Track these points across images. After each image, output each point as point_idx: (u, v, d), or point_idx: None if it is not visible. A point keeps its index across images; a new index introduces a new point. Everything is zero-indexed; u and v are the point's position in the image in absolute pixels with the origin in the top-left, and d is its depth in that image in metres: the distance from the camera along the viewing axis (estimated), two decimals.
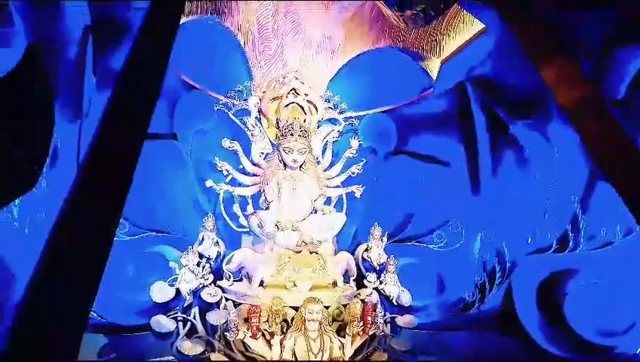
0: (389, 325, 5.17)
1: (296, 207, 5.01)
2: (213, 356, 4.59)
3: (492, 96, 5.43)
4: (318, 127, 5.48)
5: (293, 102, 5.26)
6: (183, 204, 5.30)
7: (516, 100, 5.31)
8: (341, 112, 5.60)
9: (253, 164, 5.20)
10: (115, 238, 3.24)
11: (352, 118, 5.64)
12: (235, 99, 5.39)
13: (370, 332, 4.66)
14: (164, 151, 5.21)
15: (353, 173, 5.38)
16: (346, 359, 4.42)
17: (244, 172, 5.17)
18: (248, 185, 5.15)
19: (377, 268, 5.29)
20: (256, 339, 4.40)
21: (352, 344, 4.49)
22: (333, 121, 5.56)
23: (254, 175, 5.18)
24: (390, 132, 5.72)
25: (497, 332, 5.23)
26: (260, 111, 5.32)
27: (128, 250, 4.97)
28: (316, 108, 5.38)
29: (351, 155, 5.43)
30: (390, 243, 5.50)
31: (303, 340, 4.21)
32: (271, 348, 4.33)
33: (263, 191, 5.06)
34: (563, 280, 5.17)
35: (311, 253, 4.87)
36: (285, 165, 5.07)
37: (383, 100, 5.70)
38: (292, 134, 5.01)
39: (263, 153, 5.29)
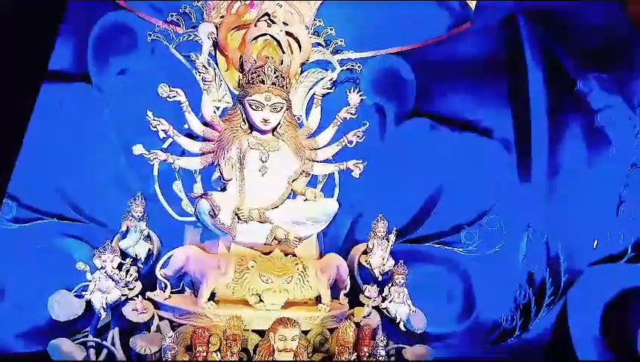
0: (392, 359, 5.18)
1: (267, 188, 4.97)
2: None
3: (555, 36, 5.44)
4: (302, 72, 5.43)
5: (265, 35, 5.17)
6: (99, 178, 5.24)
7: (590, 45, 5.32)
8: (336, 52, 5.54)
9: (204, 124, 5.07)
10: None
11: (352, 61, 5.59)
12: (179, 25, 5.30)
13: None
14: (70, 99, 5.13)
15: (351, 142, 5.30)
16: None
17: (190, 135, 5.05)
18: (196, 155, 5.02)
19: (380, 278, 5.29)
20: None
21: None
22: (324, 64, 5.52)
23: (205, 140, 5.04)
24: (406, 84, 5.70)
25: None
26: (215, 45, 5.23)
27: (16, 243, 4.90)
28: (299, 44, 5.31)
29: (348, 116, 5.32)
30: (400, 243, 5.54)
31: None
32: None
33: (218, 163, 4.95)
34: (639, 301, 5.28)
35: (286, 254, 4.83)
36: (252, 127, 5.00)
37: (397, 37, 5.67)
38: (263, 81, 4.90)
39: (218, 108, 5.23)
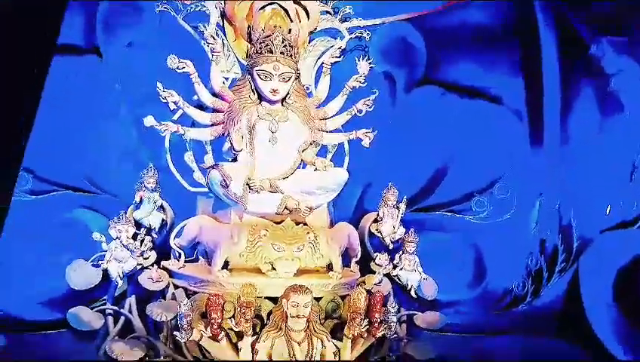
0: (404, 325, 5.30)
1: (277, 158, 5.02)
2: None
3: (568, 0, 5.42)
4: (310, 41, 5.44)
5: (272, 4, 5.17)
6: (112, 150, 5.31)
7: (603, 9, 5.33)
8: (344, 20, 5.53)
9: (214, 95, 5.13)
10: (12, 198, 3.24)
11: (361, 29, 5.56)
12: None
13: (378, 335, 4.76)
14: (81, 71, 5.19)
15: (360, 110, 5.32)
16: None
17: (199, 106, 5.12)
18: (206, 126, 5.10)
19: (391, 246, 5.37)
20: (218, 341, 4.46)
21: (352, 349, 4.57)
22: (332, 32, 5.52)
23: (215, 110, 5.12)
24: (416, 51, 5.70)
25: (556, 336, 5.43)
26: (223, 15, 5.25)
27: (32, 214, 5.00)
28: (307, 13, 5.31)
29: (357, 85, 5.35)
30: (410, 211, 5.57)
31: (283, 343, 4.27)
32: (238, 354, 4.39)
33: (228, 134, 5.03)
34: None
35: (297, 223, 4.91)
36: (261, 97, 5.04)
37: (407, 4, 5.63)
38: (271, 51, 4.93)
39: (227, 79, 5.26)
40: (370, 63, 5.38)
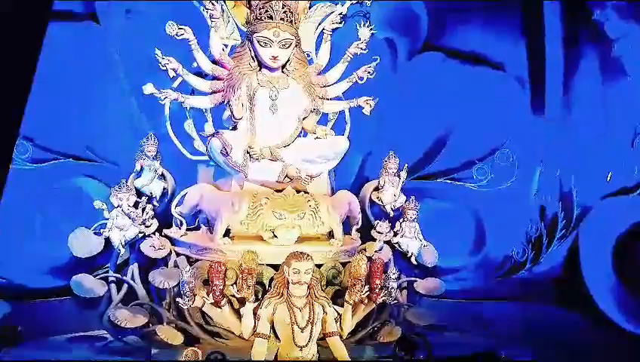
0: (404, 291, 5.36)
1: (277, 126, 5.02)
2: (161, 329, 4.73)
3: None
4: (310, 7, 5.36)
5: None
6: (112, 118, 5.29)
7: None
8: None
9: (213, 62, 5.10)
10: (11, 165, 3.24)
11: None
12: None
13: (379, 301, 4.81)
14: (78, 39, 5.14)
15: (361, 78, 5.28)
16: (344, 334, 4.46)
17: (199, 73, 5.09)
18: (206, 94, 5.07)
19: (391, 214, 5.39)
20: (221, 308, 4.51)
21: (352, 315, 4.56)
22: None
23: (215, 78, 5.08)
24: (418, 17, 5.63)
25: (554, 303, 5.49)
26: None
27: (33, 182, 5.01)
28: None
29: (358, 52, 5.29)
30: (411, 179, 5.57)
31: (285, 309, 4.22)
32: (241, 320, 4.39)
33: (228, 102, 5.01)
34: None
35: (298, 191, 4.93)
36: (261, 64, 5.00)
37: None
38: (271, 17, 4.88)
39: (227, 46, 5.21)
40: (371, 30, 5.31)
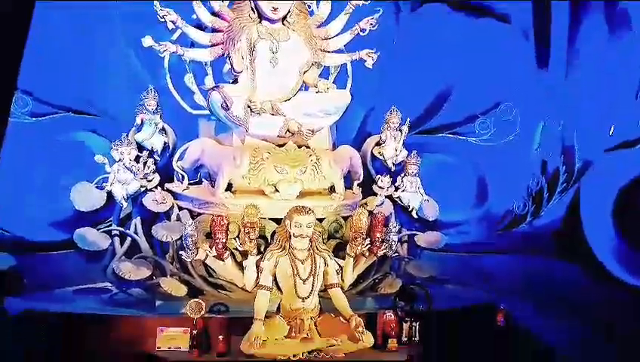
0: (405, 245, 5.39)
1: (278, 79, 4.97)
2: (164, 281, 4.77)
3: None
4: None
5: None
6: (111, 71, 5.25)
7: None
8: None
9: (213, 14, 5.01)
10: (10, 119, 3.20)
11: None
12: None
13: (380, 253, 4.86)
14: None
15: (363, 30, 5.19)
16: (346, 286, 4.59)
17: (199, 25, 5.00)
18: (206, 46, 4.99)
19: (393, 168, 5.39)
20: (223, 260, 4.56)
21: (354, 267, 4.67)
22: None
23: (215, 30, 5.01)
24: None
25: (555, 256, 5.51)
26: None
27: (34, 136, 4.99)
28: None
29: (361, 3, 5.19)
30: (413, 134, 5.55)
31: (287, 261, 4.31)
32: (243, 272, 4.47)
33: (228, 55, 4.95)
34: None
35: (299, 146, 4.91)
36: (261, 16, 4.92)
37: None
38: None
39: None
40: None
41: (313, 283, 4.32)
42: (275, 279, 4.36)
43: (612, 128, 5.32)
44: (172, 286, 4.74)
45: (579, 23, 5.56)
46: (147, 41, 4.82)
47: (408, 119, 5.36)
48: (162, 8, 4.79)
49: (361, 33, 5.18)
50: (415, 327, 4.29)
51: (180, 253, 4.63)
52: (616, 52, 5.39)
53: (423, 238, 5.44)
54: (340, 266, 4.56)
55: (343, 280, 4.53)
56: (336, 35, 5.22)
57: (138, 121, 4.96)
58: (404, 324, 4.31)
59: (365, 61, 5.22)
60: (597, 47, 5.48)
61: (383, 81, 5.59)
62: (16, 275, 4.41)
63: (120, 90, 5.29)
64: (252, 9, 4.90)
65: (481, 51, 5.59)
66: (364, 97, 5.53)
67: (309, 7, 5.21)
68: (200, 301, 4.25)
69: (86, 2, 5.20)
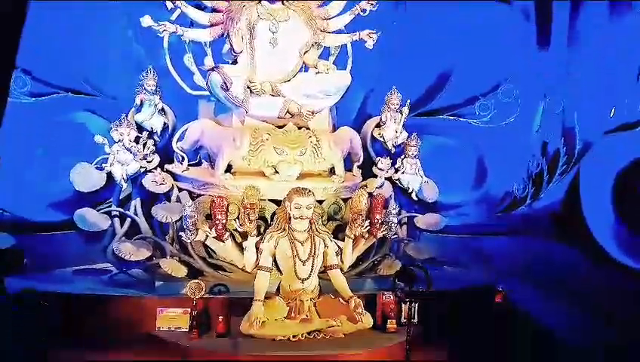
0: (405, 226, 5.39)
1: (278, 60, 4.95)
2: (164, 262, 4.78)
3: None
4: None
5: None
6: (110, 51, 5.22)
7: None
8: None
9: None
10: (9, 99, 3.18)
11: None
12: None
13: (379, 235, 4.84)
14: None
15: (363, 10, 5.15)
16: (345, 267, 4.60)
17: (198, 5, 4.96)
18: (205, 26, 4.96)
19: (393, 150, 5.38)
20: (223, 241, 4.54)
21: (353, 249, 4.65)
22: None
23: (214, 10, 4.97)
24: None
25: (554, 238, 5.47)
26: None
27: (33, 116, 4.98)
28: None
29: None
30: (413, 116, 5.52)
31: (287, 243, 4.34)
32: (243, 253, 4.47)
33: (228, 35, 4.92)
34: None
35: (299, 127, 4.91)
36: None
37: None
38: None
39: None
40: None
41: (313, 264, 4.34)
42: (274, 260, 4.38)
43: (613, 110, 5.29)
44: (172, 267, 4.75)
45: (580, 3, 5.50)
46: (146, 21, 4.80)
47: (408, 101, 5.34)
48: None
49: (361, 13, 5.14)
50: (414, 308, 4.29)
51: (180, 234, 4.62)
52: (617, 34, 5.31)
53: (423, 220, 5.45)
54: (339, 248, 4.56)
55: (342, 262, 4.54)
56: (337, 15, 5.17)
57: (137, 101, 4.94)
58: (403, 305, 4.32)
59: (366, 42, 5.17)
60: (598, 28, 5.41)
61: (383, 63, 5.55)
62: (16, 254, 4.41)
63: (119, 70, 5.27)
64: None
65: (482, 32, 5.55)
66: (365, 78, 5.50)
67: None
68: (200, 282, 4.26)
69: None
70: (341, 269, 4.48)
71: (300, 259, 4.31)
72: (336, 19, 5.16)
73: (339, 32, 5.22)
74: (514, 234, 5.61)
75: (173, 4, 4.83)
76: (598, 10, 5.41)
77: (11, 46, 3.60)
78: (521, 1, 5.65)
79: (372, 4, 5.10)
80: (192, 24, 4.98)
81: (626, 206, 5.28)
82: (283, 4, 4.92)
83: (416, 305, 4.24)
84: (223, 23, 4.93)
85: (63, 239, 4.97)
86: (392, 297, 4.36)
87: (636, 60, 5.17)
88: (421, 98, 5.76)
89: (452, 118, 5.82)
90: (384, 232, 4.89)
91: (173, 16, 4.91)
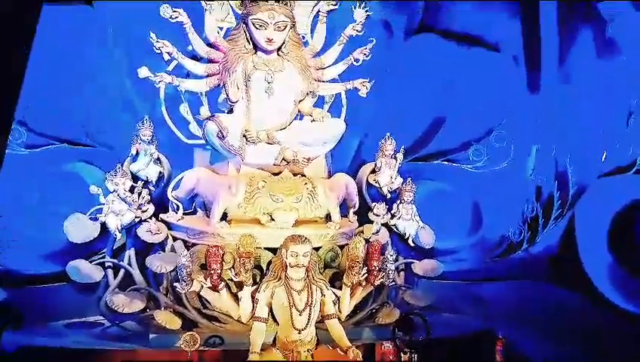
0: (402, 273, 5.32)
1: (274, 109, 4.95)
2: (159, 314, 4.68)
3: None
4: None
5: None
6: (107, 102, 5.25)
7: None
8: None
9: (209, 45, 5.01)
10: (6, 150, 3.15)
11: None
12: None
13: (377, 283, 4.76)
14: (73, 22, 5.08)
15: (357, 60, 5.19)
16: (343, 316, 4.46)
17: (194, 56, 5.00)
18: (202, 77, 4.99)
19: (388, 196, 5.34)
20: (218, 292, 4.46)
21: (351, 297, 4.53)
22: None
23: (210, 61, 4.99)
24: None
25: (551, 282, 5.44)
26: None
27: (29, 168, 4.97)
28: None
29: (354, 33, 5.19)
30: (408, 161, 5.55)
31: (283, 292, 4.18)
32: (239, 304, 4.35)
33: (224, 85, 4.92)
34: None
35: (295, 174, 4.89)
36: (256, 47, 4.92)
37: None
38: None
39: (222, 28, 5.11)
40: (366, 11, 5.21)
41: (310, 314, 4.20)
42: (270, 310, 4.26)
43: (605, 154, 5.35)
44: (166, 318, 4.63)
45: (568, 49, 5.65)
46: (143, 72, 4.80)
47: (403, 146, 5.35)
48: (158, 40, 4.78)
49: (354, 63, 5.19)
50: (414, 358, 4.17)
51: (175, 284, 4.50)
52: (605, 78, 5.45)
53: (420, 266, 5.38)
54: (336, 296, 4.44)
55: (340, 311, 4.40)
56: (331, 65, 5.22)
57: (133, 151, 4.91)
58: (403, 355, 4.19)
59: (359, 90, 5.22)
60: (587, 73, 5.57)
61: (377, 109, 5.61)
62: (11, 308, 4.34)
63: (115, 121, 5.29)
64: (247, 40, 4.89)
65: (474, 79, 5.64)
66: (359, 125, 5.55)
67: (304, 37, 5.21)
68: (194, 334, 4.12)
69: (83, 32, 5.25)
70: (339, 318, 4.34)
71: (297, 309, 4.18)
72: (331, 68, 5.20)
73: (333, 80, 5.26)
74: (511, 278, 5.58)
75: (170, 55, 4.84)
76: (586, 56, 5.54)
77: (11, 100, 3.61)
78: (510, 47, 5.75)
79: (365, 54, 5.14)
80: (189, 75, 5.00)
81: (623, 249, 5.30)
82: (278, 54, 4.96)
83: (416, 355, 4.13)
84: (219, 74, 4.95)
85: (56, 291, 4.89)
86: (391, 347, 4.24)
87: (625, 105, 5.28)
88: (415, 143, 5.79)
89: (446, 163, 5.86)
90: (382, 279, 4.80)
91: (170, 67, 4.94)
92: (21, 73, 3.78)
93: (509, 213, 5.69)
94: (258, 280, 4.45)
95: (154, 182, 4.97)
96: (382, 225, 5.26)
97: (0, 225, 4.70)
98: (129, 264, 4.87)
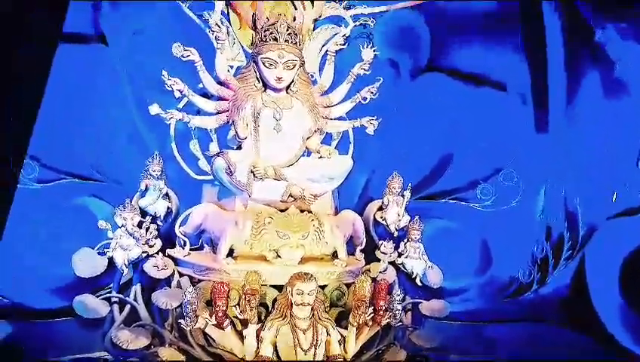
0: (409, 313, 5.23)
1: (282, 146, 4.96)
2: (163, 351, 4.63)
3: None
4: (315, 28, 5.40)
5: None
6: (117, 138, 5.32)
7: None
8: (348, 7, 5.47)
9: (219, 83, 5.04)
10: (18, 185, 3.19)
11: (365, 15, 5.51)
12: None
13: (384, 323, 4.70)
14: (87, 60, 5.16)
15: (364, 98, 5.23)
16: (349, 357, 4.44)
17: (205, 94, 5.04)
18: (212, 114, 5.00)
19: (396, 234, 5.30)
20: (223, 329, 4.40)
21: (357, 337, 4.52)
22: (336, 20, 5.46)
23: (220, 99, 5.02)
24: (421, 38, 5.64)
25: (562, 325, 5.36)
26: (228, 3, 5.22)
27: (38, 202, 5.01)
28: (311, 0, 5.27)
29: (362, 72, 5.24)
30: (415, 199, 5.53)
31: (288, 331, 4.23)
32: (243, 342, 4.34)
33: (233, 122, 4.94)
34: None
35: (302, 211, 4.88)
36: (265, 85, 4.96)
37: None
38: (276, 39, 4.84)
39: (232, 67, 5.22)
40: (374, 51, 5.27)
41: (315, 354, 4.19)
42: (275, 349, 4.22)
43: (615, 195, 5.33)
44: (170, 355, 4.58)
45: (576, 90, 5.71)
46: (154, 109, 4.84)
47: (410, 184, 5.34)
48: (170, 78, 4.82)
49: (362, 101, 5.23)
50: None
51: (180, 321, 4.46)
52: (614, 119, 5.49)
53: (427, 306, 5.29)
54: (342, 336, 4.42)
55: (345, 351, 4.37)
56: (338, 103, 5.26)
57: (142, 186, 4.93)
58: None
59: (366, 128, 5.25)
60: (596, 113, 5.62)
61: (384, 147, 5.64)
62: (15, 345, 4.32)
63: (126, 156, 5.35)
64: (257, 78, 4.95)
65: (481, 118, 5.68)
66: (366, 162, 5.58)
67: (312, 76, 5.30)
68: None
69: (96, 70, 5.36)
70: (344, 359, 4.31)
71: (302, 349, 4.16)
72: (338, 106, 5.25)
73: (340, 118, 5.30)
74: (521, 320, 5.51)
75: (181, 93, 4.88)
76: (594, 96, 5.59)
77: (25, 135, 3.69)
78: (517, 86, 5.81)
79: (372, 93, 5.19)
80: (199, 112, 5.04)
81: (634, 292, 5.21)
82: (287, 92, 5.01)
83: None
84: (228, 111, 4.98)
85: (62, 326, 4.88)
86: None
87: (634, 145, 5.28)
88: (423, 181, 5.82)
89: (454, 201, 5.86)
90: (389, 319, 4.74)
91: (181, 104, 5.02)
92: (35, 109, 3.85)
93: (519, 253, 5.66)
94: (263, 317, 4.41)
95: (162, 218, 4.98)
96: (389, 263, 5.22)
97: (8, 259, 4.73)
98: (135, 299, 4.84)
